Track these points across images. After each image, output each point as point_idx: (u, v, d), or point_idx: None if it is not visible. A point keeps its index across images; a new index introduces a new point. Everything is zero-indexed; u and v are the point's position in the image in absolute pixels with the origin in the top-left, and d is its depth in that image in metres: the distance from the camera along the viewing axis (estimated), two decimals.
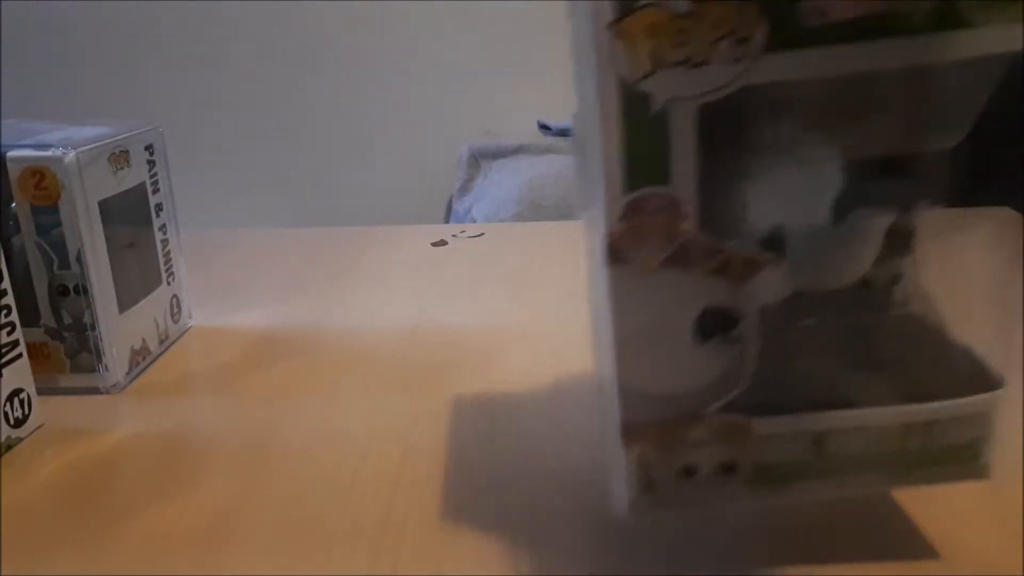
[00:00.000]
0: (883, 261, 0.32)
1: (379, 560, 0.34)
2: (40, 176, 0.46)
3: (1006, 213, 0.81)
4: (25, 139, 0.48)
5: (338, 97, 2.10)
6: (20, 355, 0.44)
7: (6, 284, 0.43)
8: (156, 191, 0.55)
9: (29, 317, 0.48)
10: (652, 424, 0.30)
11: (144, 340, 0.53)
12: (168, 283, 0.57)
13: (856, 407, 0.30)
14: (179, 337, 0.58)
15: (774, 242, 0.29)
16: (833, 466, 0.30)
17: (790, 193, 0.30)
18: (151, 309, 0.54)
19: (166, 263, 0.56)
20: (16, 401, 0.44)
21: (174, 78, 2.08)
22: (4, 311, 0.43)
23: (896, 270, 0.32)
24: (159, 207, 0.55)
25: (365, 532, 0.36)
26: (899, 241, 0.32)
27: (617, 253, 0.28)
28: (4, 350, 0.43)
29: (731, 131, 0.28)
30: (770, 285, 0.29)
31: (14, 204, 0.47)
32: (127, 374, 0.51)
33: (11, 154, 0.46)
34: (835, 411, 0.30)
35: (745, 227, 0.29)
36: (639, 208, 0.27)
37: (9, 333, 0.44)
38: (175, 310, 0.58)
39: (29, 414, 0.45)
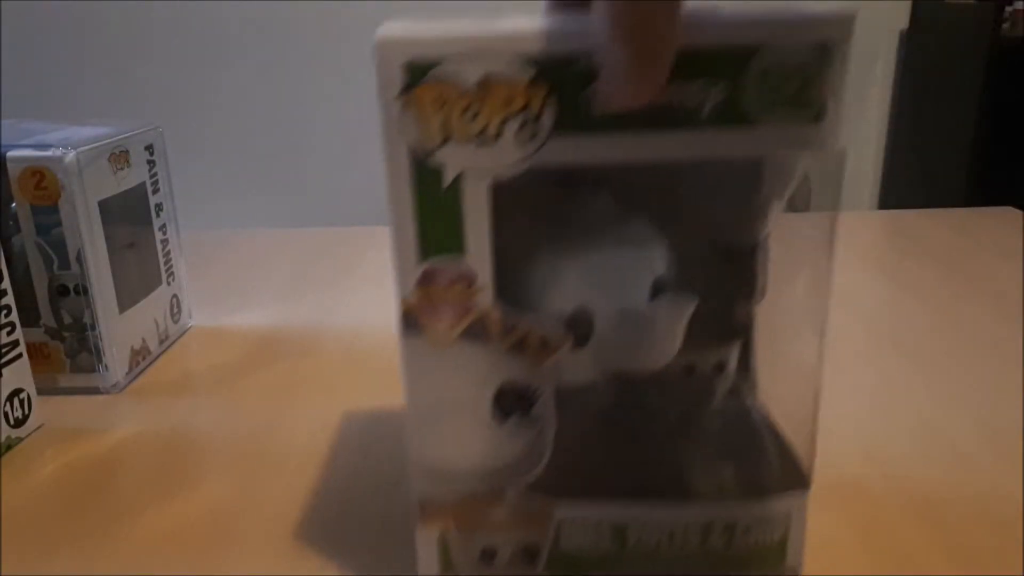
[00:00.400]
0: (707, 348, 0.31)
1: (378, 560, 0.34)
2: (40, 176, 0.46)
3: (1007, 213, 0.81)
4: (25, 139, 0.48)
5: (339, 97, 2.11)
6: (20, 355, 0.44)
7: (6, 284, 0.43)
8: (156, 191, 0.55)
9: (29, 317, 0.48)
10: (449, 503, 0.30)
11: (144, 340, 0.53)
12: (168, 283, 0.57)
13: (658, 500, 0.29)
14: (179, 337, 0.58)
15: (580, 322, 0.29)
16: (634, 559, 0.30)
17: (594, 274, 0.30)
18: (151, 309, 0.54)
19: (166, 263, 0.56)
20: (16, 401, 0.44)
21: (174, 78, 2.08)
22: (4, 311, 0.43)
23: (720, 358, 0.32)
24: (159, 207, 0.55)
25: (364, 532, 0.36)
26: (725, 328, 0.31)
27: (411, 322, 0.28)
28: (4, 350, 0.43)
29: (532, 207, 0.28)
30: (573, 365, 0.29)
31: (14, 204, 0.47)
32: (127, 374, 0.51)
33: (11, 154, 0.46)
34: (636, 503, 0.29)
35: (547, 305, 0.29)
36: (433, 278, 0.27)
37: (9, 333, 0.44)
38: (175, 310, 0.58)
39: (29, 414, 0.45)
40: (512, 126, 0.25)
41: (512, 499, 0.29)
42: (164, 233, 0.56)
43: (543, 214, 0.29)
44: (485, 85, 0.25)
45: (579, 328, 0.29)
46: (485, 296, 0.27)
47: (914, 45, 2.11)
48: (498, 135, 0.25)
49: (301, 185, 2.18)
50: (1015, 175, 1.82)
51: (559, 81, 0.25)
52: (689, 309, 0.29)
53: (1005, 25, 1.87)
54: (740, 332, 0.32)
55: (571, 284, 0.29)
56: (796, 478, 0.30)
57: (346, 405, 0.48)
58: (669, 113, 0.25)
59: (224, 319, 0.61)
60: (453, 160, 0.26)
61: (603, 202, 0.30)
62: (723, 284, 0.31)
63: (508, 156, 0.25)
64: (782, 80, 0.24)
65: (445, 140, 0.26)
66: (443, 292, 0.27)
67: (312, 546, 0.35)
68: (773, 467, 0.31)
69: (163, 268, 0.56)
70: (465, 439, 0.29)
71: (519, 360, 0.28)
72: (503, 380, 0.28)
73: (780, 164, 0.28)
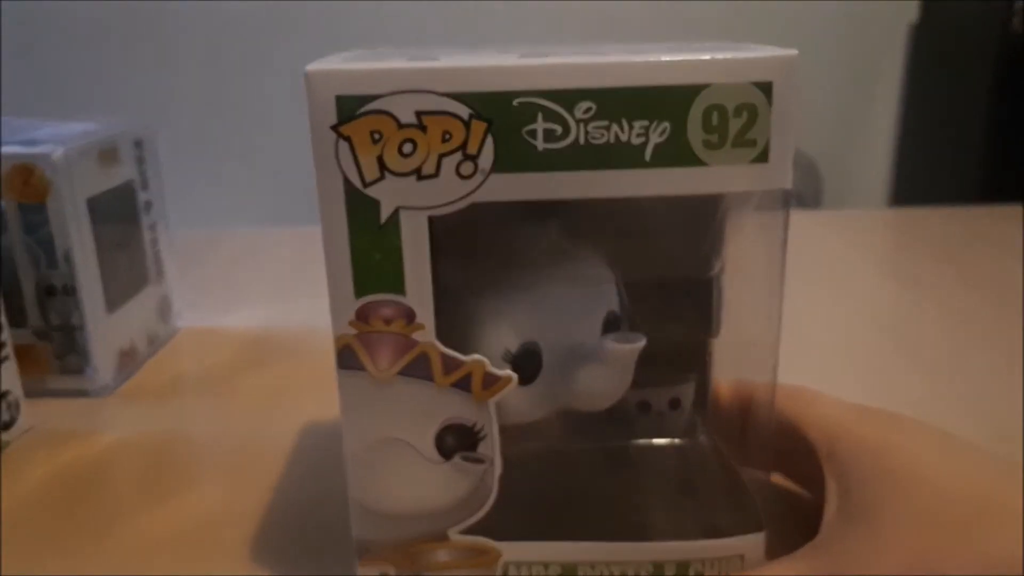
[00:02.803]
0: (661, 385, 0.31)
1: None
2: (28, 173, 0.46)
3: (1017, 209, 0.81)
4: (12, 136, 0.47)
5: None
6: (7, 357, 0.44)
7: None
8: (146, 188, 0.54)
9: (16, 318, 0.47)
10: (390, 545, 0.29)
11: (132, 341, 0.53)
12: (157, 283, 0.56)
13: (609, 539, 0.29)
14: (169, 338, 0.57)
15: (527, 359, 0.28)
16: None
17: (542, 310, 0.29)
18: (140, 310, 0.54)
19: (155, 262, 0.55)
20: (3, 404, 0.44)
21: (168, 75, 2.07)
22: None
23: (675, 395, 0.32)
24: (148, 205, 0.54)
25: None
26: (680, 365, 0.31)
27: (348, 359, 0.27)
28: None
29: (476, 243, 0.28)
30: (520, 403, 0.29)
31: (2, 202, 0.46)
32: (115, 376, 0.50)
33: None
34: (585, 542, 0.29)
35: (492, 342, 0.28)
36: (370, 314, 0.26)
37: None
38: (164, 311, 0.57)
39: (17, 417, 0.45)
40: (450, 162, 0.25)
41: (456, 542, 0.29)
42: (153, 231, 0.55)
43: (488, 250, 0.29)
44: (421, 121, 0.24)
45: (526, 365, 0.28)
46: (426, 333, 0.26)
47: (923, 39, 2.11)
48: (437, 171, 0.25)
49: (293, 183, 2.17)
50: None
51: (497, 118, 0.24)
52: (639, 346, 0.28)
53: (1015, 20, 1.88)
54: (695, 368, 0.32)
55: (517, 320, 0.29)
56: (750, 520, 0.29)
57: (337, 408, 0.47)
58: (614, 151, 0.25)
59: (215, 320, 0.60)
60: (389, 195, 0.25)
61: (551, 238, 0.29)
62: (677, 320, 0.31)
63: (447, 193, 0.25)
64: (726, 119, 0.24)
65: (381, 174, 0.25)
66: (381, 328, 0.27)
67: (303, 551, 0.35)
68: (727, 507, 0.30)
69: (152, 267, 0.55)
70: (406, 479, 0.28)
71: (462, 398, 0.27)
72: (445, 418, 0.27)
73: (731, 201, 0.28)
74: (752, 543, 0.29)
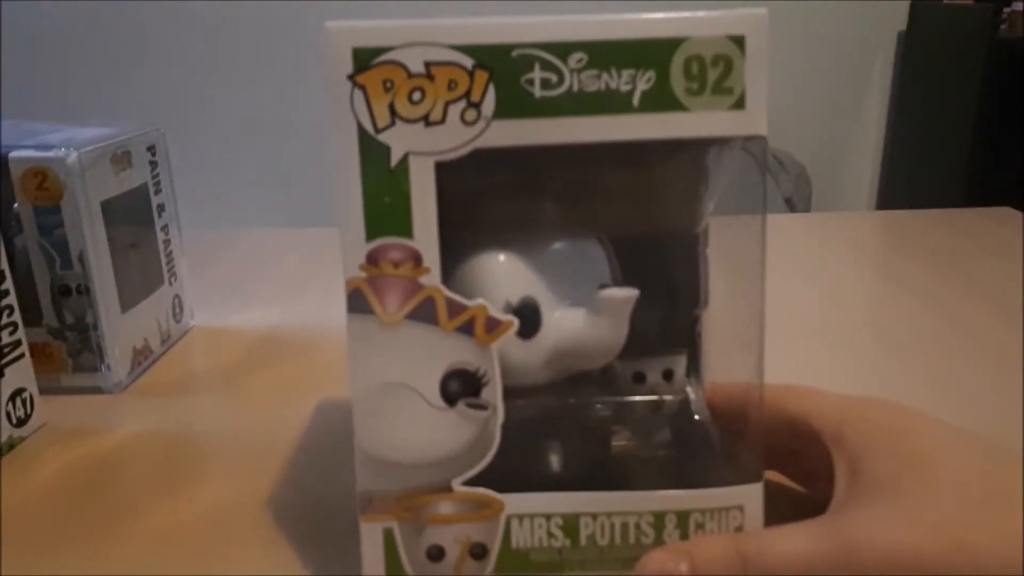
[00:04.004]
0: (655, 357, 0.32)
1: None
2: (42, 177, 0.46)
3: (1004, 213, 0.81)
4: (27, 140, 0.48)
5: None
6: (22, 355, 0.45)
7: (8, 284, 0.43)
8: (158, 192, 0.55)
9: (31, 317, 0.48)
10: (394, 494, 0.29)
11: (146, 340, 0.53)
12: (170, 283, 0.57)
13: (609, 490, 0.29)
14: (181, 337, 0.58)
15: (527, 313, 0.30)
16: (588, 556, 0.29)
17: (542, 270, 0.31)
18: (153, 309, 0.55)
19: (168, 263, 0.56)
20: (18, 401, 0.44)
21: (177, 78, 2.08)
22: (6, 311, 0.43)
23: (668, 366, 0.33)
24: (161, 208, 0.55)
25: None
26: (672, 337, 0.32)
27: (358, 302, 0.28)
28: (6, 350, 0.43)
29: (480, 206, 0.30)
30: (522, 361, 0.30)
31: (16, 205, 0.47)
32: (129, 374, 0.51)
33: (13, 155, 0.46)
34: (586, 492, 0.29)
35: (493, 293, 0.30)
36: (379, 257, 0.28)
37: (11, 333, 0.44)
38: (177, 310, 0.58)
39: (31, 414, 0.45)
40: (455, 110, 0.27)
41: (459, 493, 0.29)
42: (166, 233, 0.56)
43: (490, 215, 0.31)
44: (429, 71, 0.27)
45: (526, 318, 0.30)
46: (432, 277, 0.28)
47: (912, 46, 2.11)
48: (443, 118, 0.27)
49: (303, 185, 2.18)
50: (1013, 176, 1.82)
51: (498, 69, 0.27)
52: (633, 294, 0.30)
53: (1003, 26, 1.87)
54: (687, 340, 0.33)
55: (517, 276, 0.30)
56: (748, 471, 0.30)
57: (347, 404, 0.48)
58: (604, 98, 0.27)
59: (226, 319, 0.61)
60: (400, 141, 0.27)
61: (548, 209, 0.31)
62: (667, 295, 0.32)
63: (453, 138, 0.27)
64: (704, 68, 0.27)
65: (392, 121, 0.27)
66: (390, 271, 0.28)
67: (314, 545, 0.36)
68: (725, 459, 0.31)
69: (165, 268, 0.56)
70: (412, 426, 0.29)
71: (466, 342, 0.28)
72: (450, 363, 0.29)
73: (711, 155, 0.30)
74: (750, 494, 0.29)
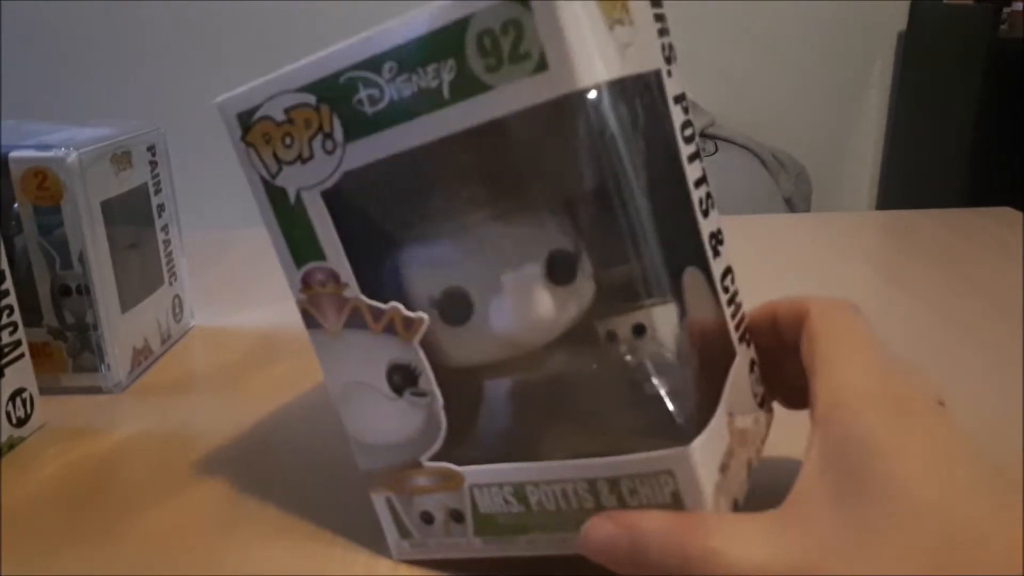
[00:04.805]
0: (623, 313, 0.32)
1: (379, 560, 0.34)
2: (42, 177, 0.46)
3: (1004, 213, 0.81)
4: (27, 140, 0.48)
5: None
6: (22, 355, 0.45)
7: (8, 284, 0.43)
8: (158, 192, 0.55)
9: (31, 317, 0.48)
10: (383, 470, 0.33)
11: (146, 340, 0.54)
12: (170, 283, 0.57)
13: (546, 459, 0.30)
14: (181, 337, 0.58)
15: (454, 301, 0.31)
16: (542, 520, 0.31)
17: (469, 254, 0.32)
18: (153, 309, 0.55)
19: (168, 263, 0.56)
20: (18, 401, 0.44)
21: (176, 78, 2.08)
22: (6, 311, 0.43)
23: (638, 320, 0.32)
24: (161, 207, 0.55)
25: (366, 531, 0.36)
26: (635, 291, 0.31)
27: (308, 319, 0.32)
28: (6, 350, 0.43)
29: (388, 204, 0.32)
30: (457, 347, 0.31)
31: (16, 205, 0.47)
32: (129, 374, 0.51)
33: (13, 155, 0.46)
34: (524, 463, 0.31)
35: (414, 289, 0.32)
36: (310, 280, 0.32)
37: (11, 333, 0.44)
38: (177, 310, 0.58)
39: (31, 414, 0.46)
40: (318, 144, 0.29)
41: (428, 468, 0.32)
42: (166, 233, 0.56)
43: (408, 206, 0.32)
44: (289, 116, 0.30)
45: (453, 308, 0.31)
46: (352, 290, 0.31)
47: (912, 46, 2.11)
48: (311, 154, 0.30)
49: None
50: (1013, 176, 1.82)
51: (334, 98, 0.29)
52: (530, 278, 0.30)
53: (1003, 26, 1.88)
54: (661, 295, 0.31)
55: (440, 268, 0.31)
56: (677, 434, 0.28)
57: None
58: (420, 98, 0.27)
59: (226, 319, 0.61)
60: (290, 181, 0.30)
61: (472, 187, 0.32)
62: (630, 246, 0.30)
63: (324, 169, 0.30)
64: (496, 40, 0.26)
65: (279, 167, 0.30)
66: (320, 291, 0.31)
67: (313, 544, 0.36)
68: (655, 425, 0.30)
69: (165, 268, 0.56)
70: (376, 415, 0.32)
71: (395, 340, 0.31)
72: (388, 360, 0.31)
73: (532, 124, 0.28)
74: (678, 457, 0.28)
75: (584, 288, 0.32)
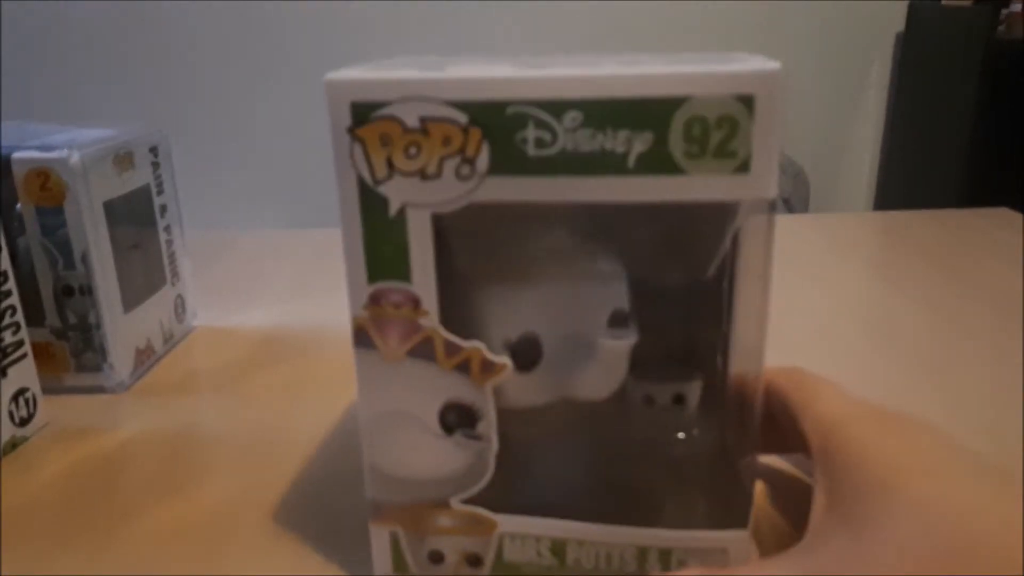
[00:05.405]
0: (665, 381, 0.32)
1: None
2: (45, 177, 0.47)
3: (1003, 213, 0.82)
4: (29, 141, 0.48)
5: None
6: (25, 355, 0.45)
7: (11, 284, 0.44)
8: (161, 192, 0.55)
9: (34, 317, 0.48)
10: (399, 506, 0.31)
11: (149, 340, 0.54)
12: (172, 283, 0.57)
13: (595, 521, 0.30)
14: (184, 337, 0.59)
15: (526, 348, 0.30)
16: (575, 574, 0.31)
17: (545, 303, 0.31)
18: (156, 309, 0.55)
19: (170, 264, 0.57)
20: (21, 400, 0.45)
21: (178, 79, 2.08)
22: (9, 311, 0.43)
23: (679, 391, 0.32)
24: (164, 208, 0.56)
25: (366, 531, 0.36)
26: (686, 362, 0.32)
27: (363, 338, 0.29)
28: (9, 350, 0.44)
29: (485, 238, 0.30)
30: (522, 388, 0.30)
31: (19, 205, 0.47)
32: (132, 373, 0.51)
33: (16, 155, 0.46)
34: (572, 521, 0.30)
35: (492, 330, 0.30)
36: (381, 299, 0.29)
37: (14, 333, 0.44)
38: (179, 310, 0.58)
39: (34, 413, 0.46)
40: (450, 165, 0.27)
41: (456, 510, 0.31)
42: (169, 234, 0.56)
43: (498, 245, 0.31)
44: (424, 126, 0.26)
45: (525, 354, 0.30)
46: (431, 319, 0.29)
47: (910, 47, 2.11)
48: (438, 173, 0.27)
49: (305, 186, 2.18)
50: (1011, 176, 1.82)
51: (492, 126, 0.26)
52: (629, 342, 0.30)
53: (1001, 28, 1.88)
54: (703, 367, 0.32)
55: (519, 312, 0.30)
56: (736, 516, 0.30)
57: (349, 404, 0.48)
58: (599, 158, 0.26)
59: (228, 319, 0.61)
60: (397, 193, 0.27)
61: (558, 236, 0.31)
62: (685, 319, 0.31)
63: (447, 192, 0.27)
64: (707, 130, 0.25)
65: (390, 174, 0.27)
66: (391, 312, 0.29)
67: (316, 545, 0.36)
68: (715, 502, 0.31)
69: (168, 268, 0.56)
70: (413, 449, 0.30)
71: (463, 380, 0.29)
72: (448, 397, 0.29)
73: (716, 215, 0.28)
74: (736, 539, 0.29)
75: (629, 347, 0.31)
